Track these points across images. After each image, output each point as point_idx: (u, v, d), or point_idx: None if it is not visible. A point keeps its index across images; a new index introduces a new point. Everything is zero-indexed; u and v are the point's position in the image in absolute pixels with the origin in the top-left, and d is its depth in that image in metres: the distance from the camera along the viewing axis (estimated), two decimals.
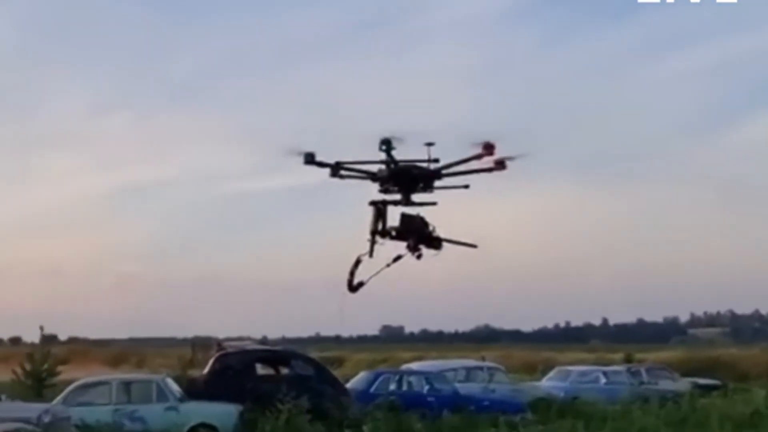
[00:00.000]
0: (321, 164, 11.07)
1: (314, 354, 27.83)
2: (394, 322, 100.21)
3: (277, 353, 21.04)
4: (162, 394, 17.31)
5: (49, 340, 26.59)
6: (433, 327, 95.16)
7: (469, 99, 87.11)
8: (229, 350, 20.50)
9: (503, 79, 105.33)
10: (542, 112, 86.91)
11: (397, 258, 11.30)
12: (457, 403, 20.27)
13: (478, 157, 10.83)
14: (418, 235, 11.21)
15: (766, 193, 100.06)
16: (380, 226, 11.23)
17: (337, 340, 72.44)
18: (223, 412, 17.20)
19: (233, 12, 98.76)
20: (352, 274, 11.24)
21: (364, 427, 16.40)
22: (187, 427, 16.73)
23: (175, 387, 17.98)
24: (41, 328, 23.34)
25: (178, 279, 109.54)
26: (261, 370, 19.93)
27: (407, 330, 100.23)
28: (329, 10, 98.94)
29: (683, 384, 28.04)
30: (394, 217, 11.32)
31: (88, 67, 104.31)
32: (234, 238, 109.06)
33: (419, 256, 11.29)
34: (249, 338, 25.26)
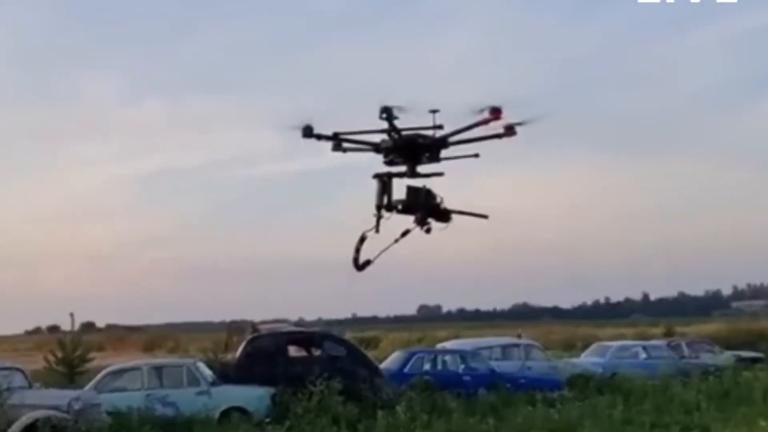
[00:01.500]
0: (320, 137, 10.66)
1: (350, 335, 27.67)
2: (431, 302, 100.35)
3: (309, 335, 20.86)
4: (193, 379, 17.25)
5: (86, 327, 26.74)
6: (470, 306, 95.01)
7: (489, 71, 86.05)
8: (262, 333, 20.40)
9: (526, 51, 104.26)
10: (567, 83, 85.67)
11: (405, 233, 10.92)
12: (493, 381, 19.98)
13: (484, 122, 10.33)
14: (425, 208, 10.81)
15: None
16: (385, 200, 10.85)
17: (374, 320, 72.55)
18: (255, 395, 17.11)
19: None
20: (357, 251, 10.86)
21: (398, 408, 16.10)
22: (219, 411, 16.62)
23: (206, 371, 17.90)
24: (71, 316, 23.48)
25: (216, 263, 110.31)
26: (293, 352, 19.81)
27: (444, 309, 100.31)
28: None
29: (725, 357, 27.46)
30: (402, 190, 10.92)
31: (118, 55, 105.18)
32: (270, 220, 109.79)
33: (428, 230, 10.90)
34: (285, 320, 25.13)
